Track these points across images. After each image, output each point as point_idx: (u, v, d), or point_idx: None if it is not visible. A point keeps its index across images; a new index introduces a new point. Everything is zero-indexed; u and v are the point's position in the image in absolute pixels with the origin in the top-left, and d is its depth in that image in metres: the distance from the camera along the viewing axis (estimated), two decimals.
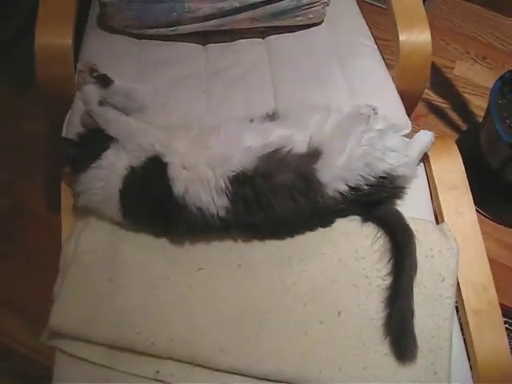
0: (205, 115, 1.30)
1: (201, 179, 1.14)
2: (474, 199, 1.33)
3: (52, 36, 1.35)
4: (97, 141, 1.21)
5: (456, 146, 1.41)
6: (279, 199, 1.14)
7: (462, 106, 2.26)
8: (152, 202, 1.17)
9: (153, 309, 1.13)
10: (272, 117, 1.26)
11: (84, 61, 1.30)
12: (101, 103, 1.22)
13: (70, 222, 1.26)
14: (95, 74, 1.27)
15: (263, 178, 1.14)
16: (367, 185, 1.17)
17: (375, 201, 1.22)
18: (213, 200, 1.14)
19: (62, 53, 1.34)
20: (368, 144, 1.18)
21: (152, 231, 1.21)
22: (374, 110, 1.23)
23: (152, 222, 1.20)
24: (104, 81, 1.26)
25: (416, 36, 1.43)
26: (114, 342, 1.10)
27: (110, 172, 1.18)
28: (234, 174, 1.14)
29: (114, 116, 1.21)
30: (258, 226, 1.18)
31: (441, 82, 2.30)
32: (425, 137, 1.37)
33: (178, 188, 1.14)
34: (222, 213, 1.15)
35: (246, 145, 1.16)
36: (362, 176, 1.16)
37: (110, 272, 1.16)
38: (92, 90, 1.24)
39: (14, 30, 2.33)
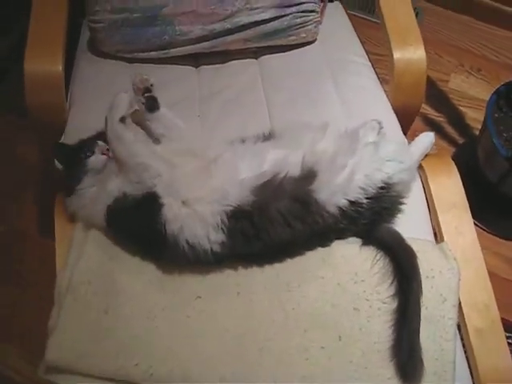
0: (207, 143, 1.28)
1: (199, 216, 1.12)
2: (471, 213, 1.32)
3: (42, 63, 1.33)
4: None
5: (453, 164, 1.39)
6: (277, 228, 1.13)
7: (457, 120, 2.25)
8: (140, 231, 1.16)
9: (151, 340, 1.11)
10: (266, 137, 1.25)
11: (143, 78, 1.24)
12: (122, 120, 1.19)
13: (64, 250, 1.24)
14: (147, 95, 1.24)
15: (260, 211, 1.12)
16: (367, 198, 1.16)
17: (375, 220, 1.20)
18: (208, 236, 1.12)
19: (52, 80, 1.33)
20: (365, 157, 1.19)
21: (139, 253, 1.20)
22: (379, 123, 1.27)
23: (138, 246, 1.19)
24: (152, 104, 1.24)
25: (411, 54, 1.42)
26: (111, 374, 1.08)
27: (100, 190, 1.17)
28: (230, 209, 1.12)
29: (128, 140, 1.16)
30: (254, 255, 1.16)
31: (436, 95, 2.30)
32: (426, 138, 1.38)
33: (172, 227, 1.13)
34: (217, 248, 1.13)
35: (241, 176, 1.15)
36: (361, 188, 1.16)
37: (106, 303, 1.14)
38: (123, 100, 1.21)
39: (11, 47, 2.32)
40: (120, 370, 1.08)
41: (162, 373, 1.08)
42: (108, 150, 1.18)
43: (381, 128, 1.27)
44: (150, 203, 1.14)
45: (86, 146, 1.20)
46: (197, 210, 1.13)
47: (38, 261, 1.85)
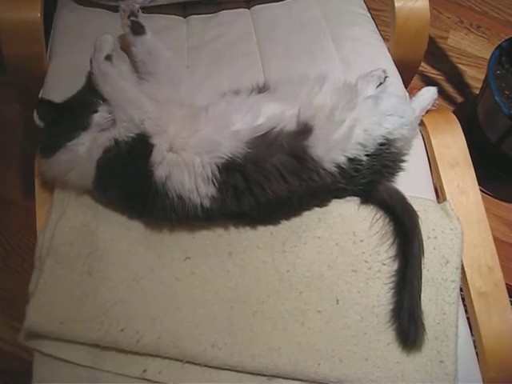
0: (196, 92, 1.23)
1: (186, 165, 1.08)
2: None
3: (18, 10, 1.27)
4: (81, 108, 1.14)
5: (456, 120, 1.35)
6: (272, 184, 1.09)
7: (457, 78, 2.21)
8: (129, 183, 1.11)
9: (138, 303, 1.08)
10: (261, 89, 1.21)
11: (129, 1, 1.28)
12: (108, 58, 1.19)
13: (45, 211, 1.19)
14: (132, 18, 1.26)
15: (254, 164, 1.08)
16: (366, 154, 1.12)
17: (374, 178, 1.17)
18: (197, 188, 1.08)
19: (30, 28, 1.27)
20: (364, 111, 1.15)
21: (126, 212, 1.16)
22: (384, 72, 1.27)
23: (127, 203, 1.15)
24: (138, 28, 1.25)
25: (413, 2, 1.38)
26: (96, 340, 1.04)
27: (92, 144, 1.12)
28: (222, 161, 1.07)
29: (115, 76, 1.15)
30: (247, 213, 1.12)
31: (434, 52, 2.25)
32: (428, 92, 1.34)
33: (161, 173, 1.08)
34: (206, 202, 1.09)
35: (235, 128, 1.10)
36: (360, 144, 1.12)
37: (90, 265, 1.10)
38: (107, 41, 1.22)
39: None
40: (105, 336, 1.04)
41: (150, 339, 1.05)
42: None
43: (386, 77, 1.26)
44: (140, 145, 1.10)
45: (88, 102, 1.15)
46: (184, 158, 1.09)
47: (21, 224, 1.81)
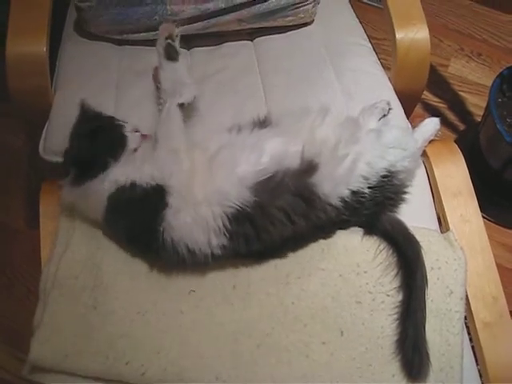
0: (208, 135, 1.21)
1: (201, 220, 1.07)
2: None
3: (25, 44, 1.29)
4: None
5: (458, 149, 1.36)
6: (279, 227, 1.09)
7: (458, 105, 2.21)
8: (138, 227, 1.11)
9: (142, 337, 1.08)
10: (262, 123, 1.21)
11: (170, 24, 1.27)
12: (181, 105, 1.18)
13: (49, 241, 1.19)
14: (168, 41, 1.24)
15: (262, 210, 1.07)
16: (369, 187, 1.12)
17: (377, 210, 1.16)
18: (209, 241, 1.08)
19: (36, 62, 1.28)
20: (367, 144, 1.15)
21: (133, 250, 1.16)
22: (388, 104, 1.27)
23: (133, 244, 1.15)
24: (171, 53, 1.24)
25: (414, 33, 1.39)
26: (101, 373, 1.05)
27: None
28: (232, 210, 1.07)
29: (176, 124, 1.15)
30: (254, 253, 1.12)
31: (436, 80, 2.25)
32: (431, 123, 1.35)
33: (172, 231, 1.07)
34: (217, 251, 1.09)
35: (240, 170, 1.10)
36: (363, 177, 1.12)
37: (95, 298, 1.10)
38: (190, 90, 1.20)
39: None
40: (110, 370, 1.04)
41: (155, 372, 1.04)
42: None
43: (390, 109, 1.26)
44: (156, 197, 1.09)
45: (115, 126, 1.16)
46: (201, 213, 1.08)
47: (25, 254, 1.81)
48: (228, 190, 1.07)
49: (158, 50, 1.24)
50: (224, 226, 1.06)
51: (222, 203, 1.07)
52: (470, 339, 1.18)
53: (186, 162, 1.11)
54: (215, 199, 1.07)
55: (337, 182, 1.10)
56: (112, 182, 1.09)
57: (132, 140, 1.14)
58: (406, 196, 1.21)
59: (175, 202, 1.08)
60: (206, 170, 1.11)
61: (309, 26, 1.55)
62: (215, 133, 1.19)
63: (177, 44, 1.25)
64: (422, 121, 1.35)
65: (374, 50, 1.56)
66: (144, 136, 1.16)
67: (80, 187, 1.11)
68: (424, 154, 1.34)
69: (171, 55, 1.23)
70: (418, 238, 1.16)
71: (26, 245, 1.84)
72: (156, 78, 1.27)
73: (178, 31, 1.26)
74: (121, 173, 1.10)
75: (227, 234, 1.07)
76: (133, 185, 1.09)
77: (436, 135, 1.36)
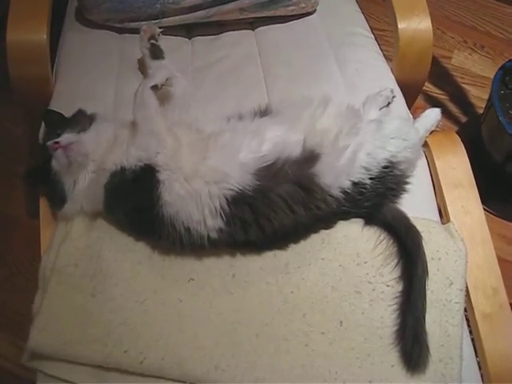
0: (204, 117, 1.23)
1: (195, 195, 1.08)
2: None
3: (25, 32, 1.28)
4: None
5: (460, 141, 1.35)
6: (279, 215, 1.08)
7: (461, 97, 2.21)
8: (135, 209, 1.11)
9: (141, 325, 1.07)
10: (263, 112, 1.21)
11: (151, 25, 1.35)
12: (154, 87, 1.17)
13: (49, 231, 1.19)
14: (152, 41, 1.30)
15: (262, 195, 1.07)
16: (370, 178, 1.12)
17: (378, 201, 1.16)
18: (204, 220, 1.08)
19: (36, 50, 1.28)
20: (368, 135, 1.15)
21: (134, 235, 1.16)
22: (392, 91, 1.28)
23: (134, 228, 1.15)
24: (156, 52, 1.30)
25: (416, 23, 1.39)
26: (99, 361, 1.04)
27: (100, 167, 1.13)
28: (232, 193, 1.07)
29: (151, 107, 1.15)
30: (253, 242, 1.11)
31: (438, 72, 2.24)
32: (432, 114, 1.35)
33: (167, 204, 1.08)
34: (214, 234, 1.09)
35: (241, 156, 1.10)
36: (364, 168, 1.12)
37: (94, 286, 1.10)
38: (162, 72, 1.22)
39: None
40: (108, 358, 1.04)
41: (153, 360, 1.04)
42: (57, 142, 1.11)
43: (394, 97, 1.27)
44: (147, 176, 1.09)
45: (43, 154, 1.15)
46: (194, 187, 1.08)
47: (25, 243, 1.81)
48: (228, 172, 1.07)
49: (143, 51, 1.29)
50: (221, 207, 1.06)
51: (220, 185, 1.07)
52: (470, 331, 1.18)
53: (168, 139, 1.12)
54: (212, 177, 1.08)
55: (338, 173, 1.10)
56: (105, 170, 1.11)
57: (56, 159, 1.12)
58: (407, 187, 1.21)
59: (166, 178, 1.08)
60: (199, 148, 1.12)
61: (311, 17, 1.55)
62: (212, 119, 1.20)
63: (160, 43, 1.30)
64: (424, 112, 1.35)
65: (377, 41, 1.55)
66: (65, 148, 1.12)
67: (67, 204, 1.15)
68: (425, 145, 1.33)
69: (156, 54, 1.28)
70: (419, 228, 1.16)
71: (26, 233, 1.83)
72: (144, 76, 1.30)
73: (160, 31, 1.32)
74: (110, 160, 1.11)
75: (224, 217, 1.07)
76: (123, 169, 1.10)
77: (437, 126, 1.36)
